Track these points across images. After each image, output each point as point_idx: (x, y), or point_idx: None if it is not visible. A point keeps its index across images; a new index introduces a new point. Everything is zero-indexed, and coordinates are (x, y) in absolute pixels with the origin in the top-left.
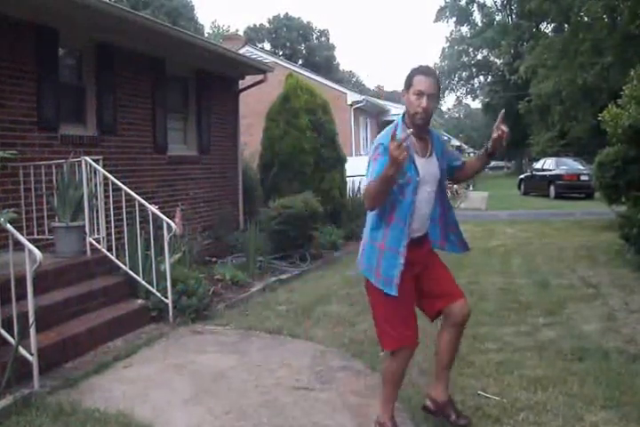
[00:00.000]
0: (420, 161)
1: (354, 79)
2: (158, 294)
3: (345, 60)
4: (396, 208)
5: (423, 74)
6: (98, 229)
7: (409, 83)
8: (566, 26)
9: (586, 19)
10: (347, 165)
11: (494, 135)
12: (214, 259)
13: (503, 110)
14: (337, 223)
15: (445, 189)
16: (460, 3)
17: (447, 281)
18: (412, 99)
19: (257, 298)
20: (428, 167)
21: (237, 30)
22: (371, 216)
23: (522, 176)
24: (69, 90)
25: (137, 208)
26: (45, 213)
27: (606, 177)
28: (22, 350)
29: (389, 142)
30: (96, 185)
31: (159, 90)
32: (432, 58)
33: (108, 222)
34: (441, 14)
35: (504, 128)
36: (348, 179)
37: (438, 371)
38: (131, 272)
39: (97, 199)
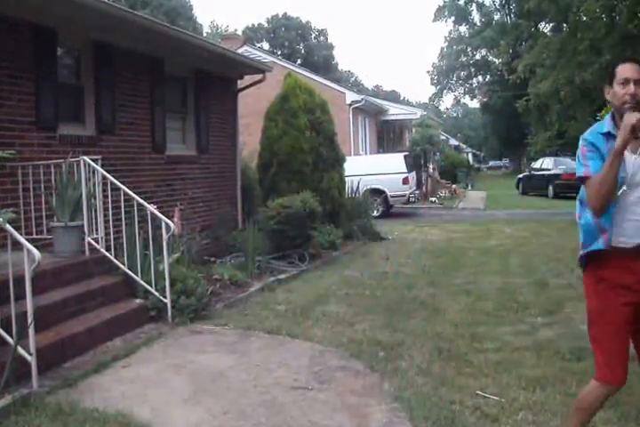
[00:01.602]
0: (629, 158)
1: (352, 79)
2: (157, 294)
3: (343, 60)
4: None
5: (626, 62)
6: (96, 229)
7: (611, 76)
8: (565, 25)
9: (584, 18)
10: (345, 165)
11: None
12: (213, 259)
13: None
14: (336, 223)
15: None
16: (459, 2)
17: None
18: (617, 89)
19: (256, 298)
20: (637, 166)
21: (236, 30)
22: (583, 223)
23: (520, 176)
24: (68, 90)
25: (135, 208)
26: (44, 213)
27: None
28: (21, 350)
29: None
30: (95, 185)
31: (158, 89)
32: (431, 57)
33: (106, 222)
34: (439, 14)
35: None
36: (346, 178)
37: None
38: (129, 272)
39: (95, 199)
